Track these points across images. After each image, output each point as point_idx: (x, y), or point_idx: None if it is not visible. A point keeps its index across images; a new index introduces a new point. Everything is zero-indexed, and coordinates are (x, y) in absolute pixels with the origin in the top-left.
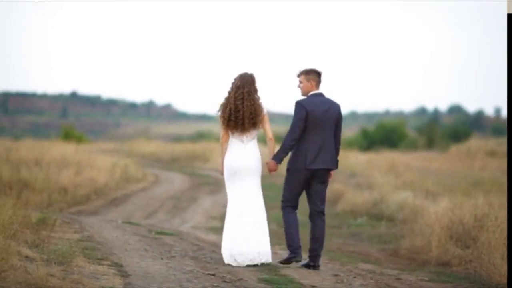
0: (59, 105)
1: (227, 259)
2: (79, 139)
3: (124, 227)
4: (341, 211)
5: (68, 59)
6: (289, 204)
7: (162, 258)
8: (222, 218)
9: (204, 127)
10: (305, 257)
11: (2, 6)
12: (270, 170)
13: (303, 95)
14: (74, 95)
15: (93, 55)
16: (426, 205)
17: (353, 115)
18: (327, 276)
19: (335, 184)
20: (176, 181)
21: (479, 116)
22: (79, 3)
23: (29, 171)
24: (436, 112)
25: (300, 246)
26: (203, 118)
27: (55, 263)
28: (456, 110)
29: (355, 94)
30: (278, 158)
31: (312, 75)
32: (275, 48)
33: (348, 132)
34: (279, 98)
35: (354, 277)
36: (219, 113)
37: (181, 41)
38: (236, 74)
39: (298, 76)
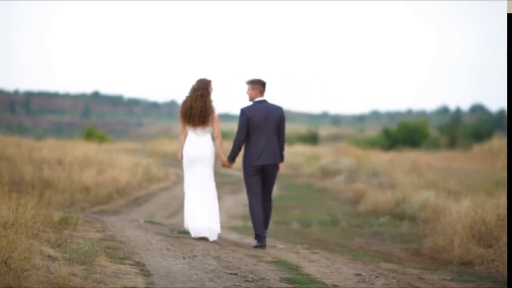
0: (82, 104)
1: (186, 227)
2: (101, 139)
3: (146, 227)
4: (363, 210)
5: (90, 58)
6: (251, 195)
7: (184, 258)
8: (244, 217)
9: (225, 126)
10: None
11: (25, 5)
12: (223, 165)
13: (249, 100)
14: (96, 95)
15: (115, 55)
16: (448, 204)
17: (375, 114)
18: (349, 275)
19: (357, 184)
20: None
21: (502, 116)
22: (101, 3)
23: (52, 170)
24: (458, 112)
25: (264, 236)
26: (224, 117)
27: (77, 263)
28: (478, 109)
29: (377, 94)
30: (230, 157)
31: (257, 85)
32: (294, 50)
33: (370, 131)
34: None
35: (377, 277)
36: (180, 108)
37: (203, 41)
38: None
39: (247, 84)
